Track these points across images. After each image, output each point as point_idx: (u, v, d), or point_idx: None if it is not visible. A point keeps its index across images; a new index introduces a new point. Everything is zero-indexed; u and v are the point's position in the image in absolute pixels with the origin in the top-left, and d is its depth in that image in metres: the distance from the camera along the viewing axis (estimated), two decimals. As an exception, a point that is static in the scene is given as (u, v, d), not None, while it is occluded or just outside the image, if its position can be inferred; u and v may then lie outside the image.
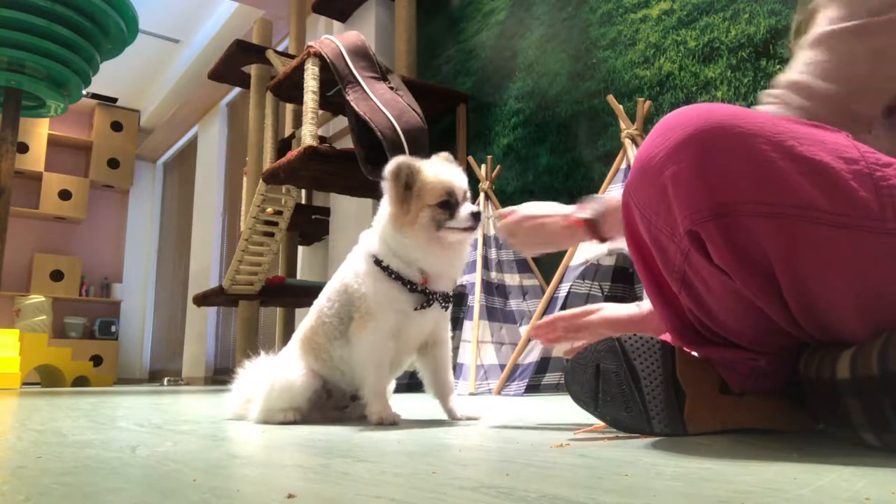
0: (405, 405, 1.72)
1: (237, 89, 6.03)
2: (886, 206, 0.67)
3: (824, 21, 0.82)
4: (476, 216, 1.17)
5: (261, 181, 3.43)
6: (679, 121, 0.75)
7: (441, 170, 1.19)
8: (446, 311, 1.28)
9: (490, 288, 2.75)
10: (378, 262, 1.21)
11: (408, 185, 1.17)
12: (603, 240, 1.08)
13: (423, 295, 1.21)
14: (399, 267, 1.20)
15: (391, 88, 2.97)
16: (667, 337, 0.95)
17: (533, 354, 2.37)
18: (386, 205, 1.20)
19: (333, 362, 1.28)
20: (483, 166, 2.90)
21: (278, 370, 1.29)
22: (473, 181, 3.10)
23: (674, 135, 0.74)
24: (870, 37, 0.79)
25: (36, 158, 6.97)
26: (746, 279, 0.73)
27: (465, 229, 1.18)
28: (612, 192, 2.15)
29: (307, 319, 1.34)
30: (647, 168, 0.77)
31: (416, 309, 1.20)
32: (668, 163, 0.74)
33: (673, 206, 0.75)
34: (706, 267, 0.75)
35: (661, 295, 0.86)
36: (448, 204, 1.17)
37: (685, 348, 0.89)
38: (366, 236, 1.28)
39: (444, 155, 1.26)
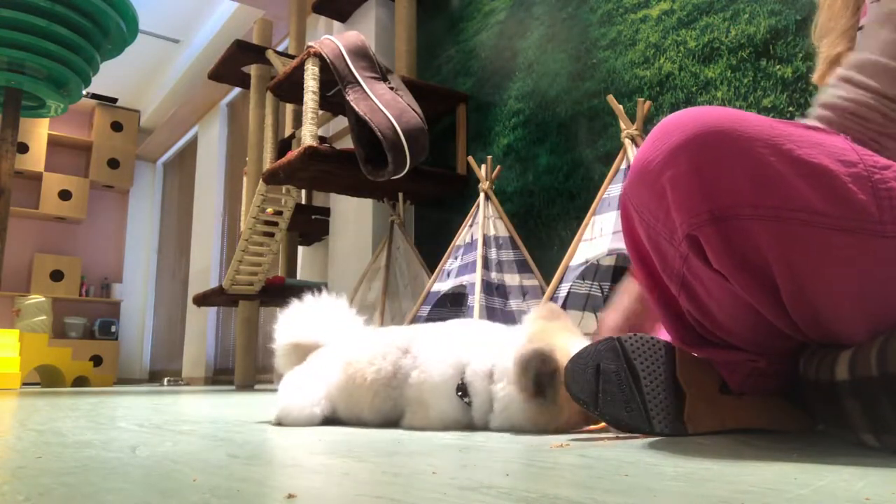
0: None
1: (237, 89, 6.02)
2: (885, 209, 0.67)
3: None
4: None
5: (261, 181, 3.42)
6: (677, 124, 0.74)
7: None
8: None
9: (490, 288, 2.75)
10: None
11: (541, 384, 0.97)
12: None
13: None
14: None
15: (391, 88, 2.97)
16: (664, 334, 0.96)
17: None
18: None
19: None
20: (483, 166, 2.90)
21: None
22: (474, 181, 3.10)
23: (671, 138, 0.73)
24: None
25: (36, 158, 6.96)
26: (745, 283, 0.73)
27: None
28: (612, 192, 2.15)
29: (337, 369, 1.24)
30: (644, 172, 0.77)
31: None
32: (666, 166, 0.74)
33: (671, 210, 0.75)
34: (705, 271, 0.75)
35: (660, 296, 0.86)
36: None
37: (686, 349, 0.89)
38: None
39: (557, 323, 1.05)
